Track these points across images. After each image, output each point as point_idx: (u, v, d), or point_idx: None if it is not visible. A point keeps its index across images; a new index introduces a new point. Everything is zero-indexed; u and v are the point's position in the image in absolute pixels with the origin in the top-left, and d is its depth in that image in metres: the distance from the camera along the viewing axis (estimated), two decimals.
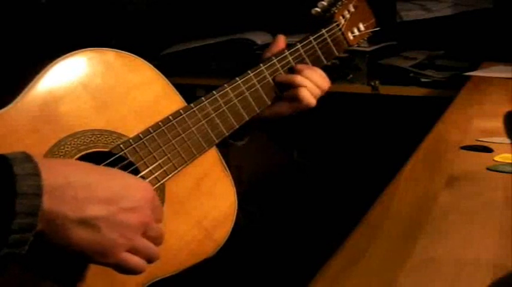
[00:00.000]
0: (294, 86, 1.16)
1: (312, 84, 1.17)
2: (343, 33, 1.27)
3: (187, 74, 2.45)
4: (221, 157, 1.04)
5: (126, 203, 0.81)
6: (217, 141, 1.03)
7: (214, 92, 1.05)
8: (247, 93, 1.09)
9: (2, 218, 0.72)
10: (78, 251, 0.79)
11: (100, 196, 0.80)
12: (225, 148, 1.12)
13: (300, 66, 1.18)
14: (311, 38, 1.21)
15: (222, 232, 1.02)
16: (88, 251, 0.80)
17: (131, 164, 0.93)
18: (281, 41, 1.20)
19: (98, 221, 0.79)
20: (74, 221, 0.78)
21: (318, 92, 1.19)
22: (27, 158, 0.75)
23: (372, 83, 2.32)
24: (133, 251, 0.83)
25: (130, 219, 0.81)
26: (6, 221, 0.72)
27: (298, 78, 1.16)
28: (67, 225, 0.77)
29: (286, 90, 1.17)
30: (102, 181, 0.81)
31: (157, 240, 0.86)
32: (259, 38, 2.50)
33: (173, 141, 0.97)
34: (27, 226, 0.73)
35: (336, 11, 1.27)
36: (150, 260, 0.85)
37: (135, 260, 0.83)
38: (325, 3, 1.26)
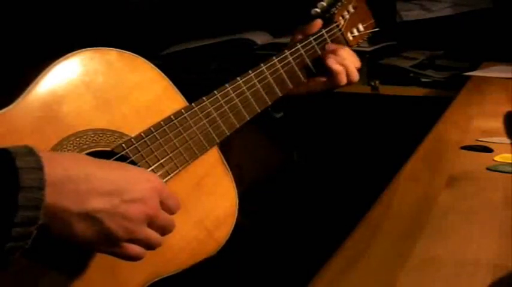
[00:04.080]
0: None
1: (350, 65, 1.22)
2: (342, 34, 1.27)
3: (187, 74, 2.45)
4: (222, 157, 1.04)
5: (129, 195, 0.82)
6: (218, 140, 1.03)
7: (215, 91, 1.05)
8: (247, 93, 1.10)
9: (4, 211, 0.72)
10: (79, 242, 0.80)
11: (102, 188, 0.80)
12: (264, 120, 1.17)
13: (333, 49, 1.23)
14: (311, 39, 1.22)
15: (223, 232, 1.02)
16: (89, 242, 0.80)
17: (133, 163, 0.93)
18: (317, 24, 1.25)
19: (99, 214, 0.79)
20: (76, 215, 0.78)
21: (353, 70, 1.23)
22: (30, 151, 0.75)
23: (372, 83, 2.32)
24: (134, 241, 0.83)
25: (132, 211, 0.82)
26: (9, 215, 0.72)
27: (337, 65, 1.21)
28: (69, 218, 0.78)
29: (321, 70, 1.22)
30: (104, 174, 0.81)
31: (165, 229, 0.87)
32: (259, 38, 2.50)
33: (175, 141, 0.98)
34: (30, 220, 0.73)
35: (336, 11, 1.27)
36: (150, 248, 0.86)
37: (134, 249, 0.84)
38: (324, 3, 1.27)
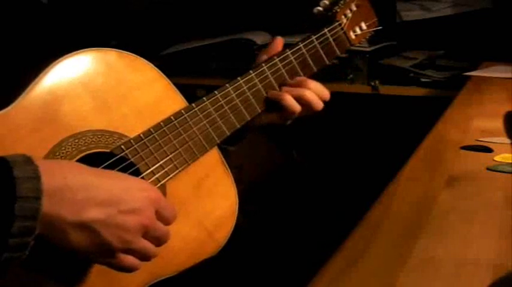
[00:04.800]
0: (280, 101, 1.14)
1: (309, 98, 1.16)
2: (345, 33, 1.27)
3: (187, 74, 2.45)
4: (222, 157, 1.04)
5: (126, 206, 0.81)
6: (218, 141, 1.03)
7: (215, 92, 1.05)
8: (248, 93, 1.09)
9: (1, 221, 0.72)
10: (75, 252, 0.80)
11: (99, 198, 0.80)
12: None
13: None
14: (313, 38, 1.21)
15: (223, 232, 1.02)
16: (85, 252, 0.80)
17: (132, 164, 0.93)
18: (279, 43, 1.19)
19: (95, 224, 0.79)
20: (72, 224, 0.78)
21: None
22: (27, 160, 0.75)
23: (372, 83, 2.32)
24: (130, 252, 0.83)
25: (129, 222, 0.81)
26: (5, 225, 0.72)
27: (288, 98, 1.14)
28: (65, 228, 0.78)
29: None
30: (101, 183, 0.81)
31: (160, 240, 0.86)
32: (259, 38, 2.50)
33: (174, 142, 0.98)
34: (27, 230, 0.73)
35: (338, 10, 1.26)
36: (145, 260, 0.86)
37: (130, 260, 0.83)
38: (327, 2, 1.26)
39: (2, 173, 0.73)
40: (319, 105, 1.16)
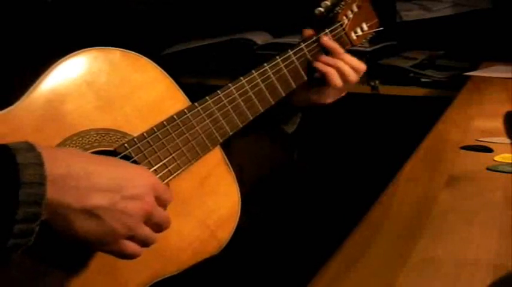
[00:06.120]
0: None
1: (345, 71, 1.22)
2: (346, 33, 1.27)
3: (187, 74, 2.45)
4: (225, 157, 1.04)
5: (128, 192, 0.82)
6: (221, 140, 1.03)
7: (218, 91, 1.05)
8: (251, 93, 1.10)
9: (6, 207, 0.72)
10: (79, 239, 0.80)
11: (102, 185, 0.80)
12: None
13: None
14: (314, 38, 1.22)
15: (225, 232, 1.02)
16: (89, 239, 0.80)
17: (135, 163, 0.93)
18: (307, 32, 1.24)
19: (99, 210, 0.79)
20: (77, 211, 0.78)
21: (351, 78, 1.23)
22: (30, 147, 0.75)
23: (372, 83, 2.32)
24: (132, 239, 0.83)
25: (132, 208, 0.82)
26: (10, 211, 0.72)
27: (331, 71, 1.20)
28: (70, 214, 0.78)
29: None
30: (103, 170, 0.81)
31: (161, 226, 0.87)
32: (259, 38, 2.51)
33: (177, 141, 0.98)
34: (32, 216, 0.73)
35: (340, 11, 1.27)
36: (146, 246, 0.86)
37: (132, 247, 0.84)
38: (328, 3, 1.26)
39: (5, 160, 0.73)
40: (352, 75, 1.22)
